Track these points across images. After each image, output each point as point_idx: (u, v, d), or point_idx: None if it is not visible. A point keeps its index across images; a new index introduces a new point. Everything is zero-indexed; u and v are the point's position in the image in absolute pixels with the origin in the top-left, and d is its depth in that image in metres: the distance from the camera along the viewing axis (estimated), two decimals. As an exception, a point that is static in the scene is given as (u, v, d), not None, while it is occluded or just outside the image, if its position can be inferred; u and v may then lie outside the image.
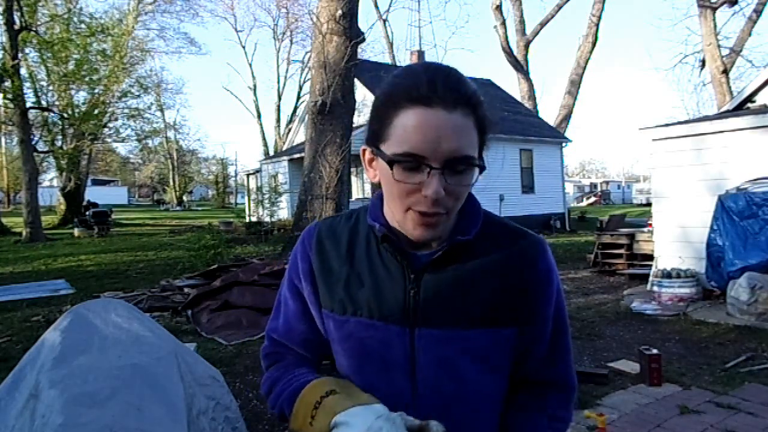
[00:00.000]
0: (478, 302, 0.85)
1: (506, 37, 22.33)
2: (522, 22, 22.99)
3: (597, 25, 21.45)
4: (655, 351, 4.16)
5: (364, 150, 0.90)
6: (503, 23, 22.40)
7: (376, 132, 0.83)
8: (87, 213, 20.03)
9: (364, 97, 18.01)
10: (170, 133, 41.17)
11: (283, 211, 18.11)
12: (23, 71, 18.38)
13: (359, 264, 0.91)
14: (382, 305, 0.87)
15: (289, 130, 28.37)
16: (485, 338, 0.85)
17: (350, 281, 0.90)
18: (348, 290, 0.90)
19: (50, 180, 40.04)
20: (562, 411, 0.95)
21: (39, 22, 18.32)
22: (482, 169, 0.83)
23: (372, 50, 35.32)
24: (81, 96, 22.11)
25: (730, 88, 16.32)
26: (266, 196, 17.02)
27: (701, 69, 19.02)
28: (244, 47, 47.52)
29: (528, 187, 19.07)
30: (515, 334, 0.88)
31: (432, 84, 0.77)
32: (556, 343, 0.93)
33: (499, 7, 22.22)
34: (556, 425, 0.94)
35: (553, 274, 0.91)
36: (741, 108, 8.08)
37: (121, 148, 39.48)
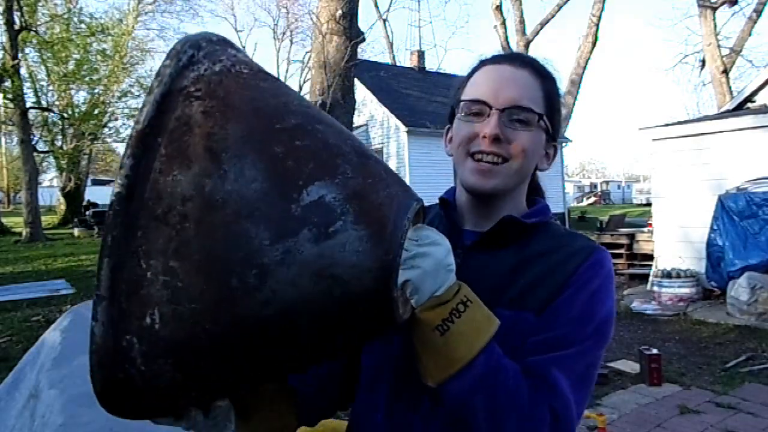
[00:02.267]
0: (514, 286, 0.84)
1: (506, 37, 22.33)
2: (522, 22, 22.97)
3: (597, 25, 21.43)
4: (655, 351, 4.16)
5: (447, 129, 0.94)
6: (503, 23, 22.40)
7: (454, 105, 0.91)
8: (87, 213, 20.00)
9: (364, 97, 18.02)
10: (170, 133, 41.18)
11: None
12: (23, 71, 18.38)
13: None
14: None
15: (289, 130, 28.37)
16: (506, 318, 0.80)
17: None
18: None
19: (50, 180, 40.06)
20: (535, 396, 0.75)
21: (39, 22, 18.31)
22: (552, 146, 0.91)
23: (372, 50, 35.29)
24: (81, 96, 22.13)
25: (730, 88, 16.31)
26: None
27: (701, 69, 19.03)
28: (244, 47, 47.45)
29: (528, 187, 19.07)
30: (532, 319, 0.82)
31: (503, 52, 0.91)
32: (559, 344, 0.80)
33: (499, 7, 22.22)
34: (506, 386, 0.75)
35: (594, 281, 0.82)
36: (741, 108, 8.08)
37: (121, 148, 39.45)
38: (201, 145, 0.55)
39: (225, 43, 0.64)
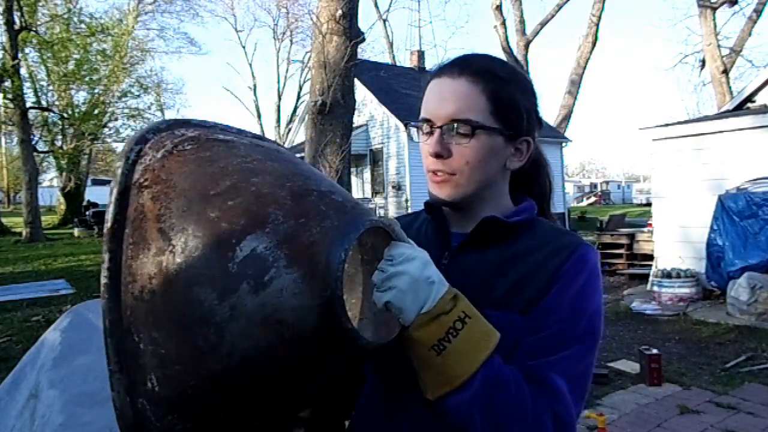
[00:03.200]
0: (500, 286, 0.84)
1: (506, 37, 22.33)
2: (522, 22, 22.97)
3: (597, 25, 21.43)
4: (655, 351, 4.16)
5: None
6: (503, 23, 22.39)
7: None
8: (87, 213, 19.99)
9: (364, 97, 18.01)
10: (170, 133, 41.11)
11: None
12: (23, 71, 18.38)
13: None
14: None
15: (289, 130, 28.41)
16: (495, 319, 0.80)
17: None
18: None
19: (50, 180, 40.02)
20: (537, 403, 0.75)
21: (39, 22, 18.32)
22: (522, 142, 0.89)
23: (372, 50, 35.22)
24: (81, 96, 22.12)
25: (730, 88, 16.32)
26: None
27: (701, 69, 19.03)
28: (244, 47, 47.46)
29: (528, 187, 19.06)
30: (519, 320, 0.82)
31: (447, 61, 0.90)
32: (553, 347, 0.80)
33: (499, 7, 22.21)
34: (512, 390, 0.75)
35: (579, 277, 0.82)
36: (741, 108, 8.08)
37: (121, 148, 39.41)
38: (154, 228, 0.63)
39: (176, 125, 0.72)
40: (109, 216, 0.64)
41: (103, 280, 0.63)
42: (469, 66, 0.86)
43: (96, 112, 21.07)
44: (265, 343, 0.61)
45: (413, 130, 0.92)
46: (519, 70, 0.93)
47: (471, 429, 0.74)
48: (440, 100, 0.85)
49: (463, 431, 0.75)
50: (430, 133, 0.86)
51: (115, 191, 0.64)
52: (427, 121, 0.86)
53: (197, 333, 0.61)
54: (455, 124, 0.83)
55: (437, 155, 0.85)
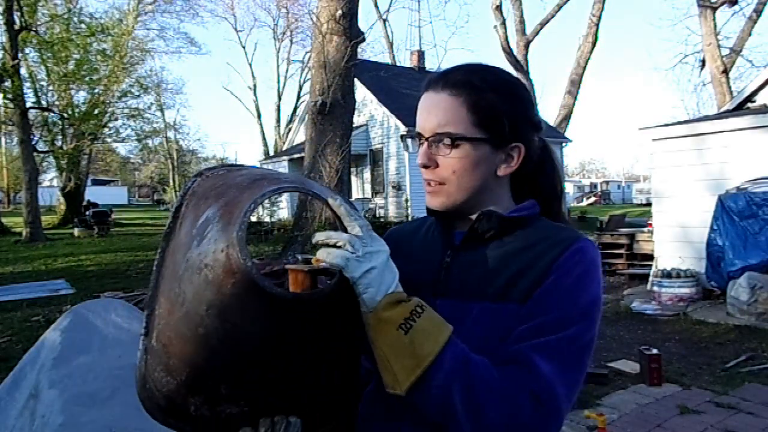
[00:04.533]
0: (498, 279, 0.86)
1: (506, 37, 22.33)
2: (522, 22, 22.97)
3: (597, 25, 21.44)
4: (655, 351, 4.16)
5: None
6: (503, 23, 22.39)
7: None
8: (87, 213, 19.99)
9: (364, 97, 18.01)
10: (170, 133, 41.10)
11: (283, 211, 18.11)
12: (23, 71, 18.38)
13: (417, 244, 1.02)
14: (420, 274, 0.92)
15: (289, 130, 28.38)
16: (493, 313, 0.84)
17: (404, 257, 0.91)
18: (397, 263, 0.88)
19: (50, 180, 40.00)
20: (509, 382, 0.75)
21: (39, 22, 18.31)
22: (513, 148, 0.92)
23: (372, 50, 35.23)
24: (81, 96, 22.12)
25: (730, 88, 16.31)
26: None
27: (701, 69, 19.02)
28: (244, 47, 47.44)
29: (528, 187, 19.04)
30: (515, 309, 0.83)
31: (435, 73, 0.95)
32: (540, 331, 0.79)
33: (499, 7, 22.21)
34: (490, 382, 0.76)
35: (577, 267, 0.83)
36: (741, 108, 8.08)
37: (121, 148, 39.40)
38: (185, 217, 0.85)
39: (217, 167, 0.97)
40: (174, 206, 0.89)
41: (156, 264, 0.85)
42: (449, 79, 0.91)
43: (96, 112, 21.06)
44: (198, 287, 0.74)
45: (409, 141, 0.98)
46: (507, 77, 0.94)
47: (451, 411, 0.74)
48: (426, 113, 0.91)
49: (444, 417, 0.75)
50: (421, 145, 0.92)
51: (179, 196, 0.91)
52: (418, 134, 0.93)
53: (171, 289, 0.78)
54: (438, 137, 0.89)
55: (424, 166, 0.91)
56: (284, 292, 0.77)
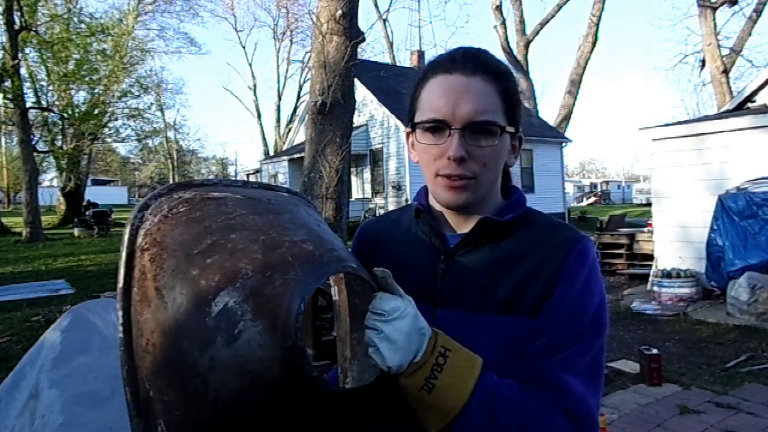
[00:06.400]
0: (501, 288, 0.82)
1: (506, 37, 22.34)
2: (522, 22, 22.98)
3: (597, 25, 21.44)
4: (655, 351, 4.16)
5: (407, 134, 0.92)
6: (503, 23, 22.41)
7: (411, 110, 0.89)
8: (87, 213, 19.99)
9: (364, 97, 18.01)
10: (170, 133, 41.16)
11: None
12: (23, 71, 18.37)
13: (398, 246, 0.94)
14: (413, 282, 0.84)
15: (289, 130, 28.38)
16: (501, 326, 0.81)
17: (389, 261, 0.86)
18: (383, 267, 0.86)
19: (50, 180, 40.01)
20: (542, 407, 0.75)
21: (39, 22, 18.29)
22: (517, 138, 0.88)
23: (372, 50, 35.27)
24: (81, 96, 22.12)
25: (730, 88, 16.32)
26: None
27: (701, 69, 19.02)
28: (244, 47, 47.45)
29: (528, 187, 19.06)
30: (527, 323, 0.81)
31: (452, 55, 0.84)
32: (560, 346, 0.79)
33: (499, 7, 22.22)
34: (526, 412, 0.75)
35: (581, 273, 0.82)
36: (741, 108, 8.08)
37: (121, 148, 39.41)
38: (152, 287, 0.69)
39: (177, 188, 0.78)
40: (120, 277, 0.71)
41: (119, 335, 0.70)
42: (481, 63, 0.82)
43: (96, 112, 21.05)
44: (242, 390, 0.66)
45: (417, 133, 0.87)
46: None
47: None
48: (457, 99, 0.80)
49: None
50: (439, 130, 0.81)
51: (123, 255, 0.72)
52: (440, 121, 0.81)
53: (187, 381, 0.67)
54: (478, 126, 0.80)
55: (461, 159, 0.80)
56: (335, 387, 0.78)
